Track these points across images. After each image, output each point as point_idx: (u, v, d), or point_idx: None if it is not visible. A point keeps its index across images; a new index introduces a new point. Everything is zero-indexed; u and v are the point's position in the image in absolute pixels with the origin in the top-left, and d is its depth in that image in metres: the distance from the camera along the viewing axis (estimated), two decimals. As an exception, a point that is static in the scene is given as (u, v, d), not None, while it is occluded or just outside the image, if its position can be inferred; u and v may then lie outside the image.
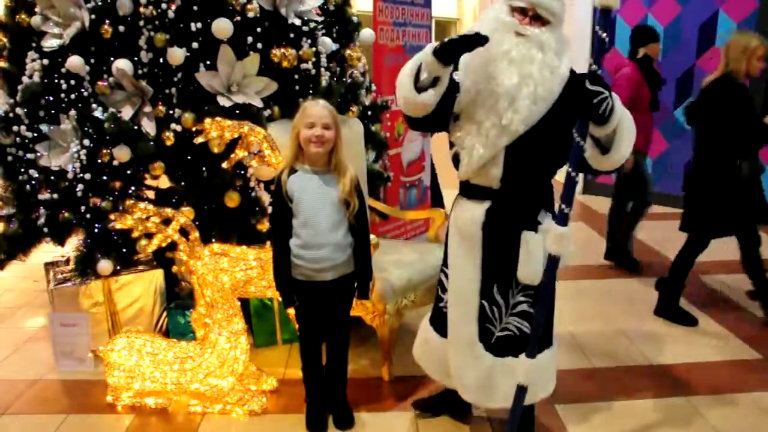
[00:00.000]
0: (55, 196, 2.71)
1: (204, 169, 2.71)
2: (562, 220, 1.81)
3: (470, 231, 2.02)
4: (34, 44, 2.75)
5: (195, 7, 2.57)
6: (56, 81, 2.68)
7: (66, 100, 2.68)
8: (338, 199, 2.12)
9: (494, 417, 2.37)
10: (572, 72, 1.93)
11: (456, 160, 2.04)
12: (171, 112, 2.64)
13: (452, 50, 1.75)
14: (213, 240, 2.65)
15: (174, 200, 2.86)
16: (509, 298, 2.02)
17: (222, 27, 2.55)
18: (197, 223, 2.50)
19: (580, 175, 1.97)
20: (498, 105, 1.86)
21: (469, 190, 2.05)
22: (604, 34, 1.70)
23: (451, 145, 2.04)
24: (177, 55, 2.55)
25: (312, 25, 2.87)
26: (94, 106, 2.64)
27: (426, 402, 2.43)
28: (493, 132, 1.88)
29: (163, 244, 2.43)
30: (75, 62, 2.58)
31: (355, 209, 2.14)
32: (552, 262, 1.85)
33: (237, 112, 2.63)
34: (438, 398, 2.42)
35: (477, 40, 1.75)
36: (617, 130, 1.79)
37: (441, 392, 2.42)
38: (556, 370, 2.17)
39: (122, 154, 2.57)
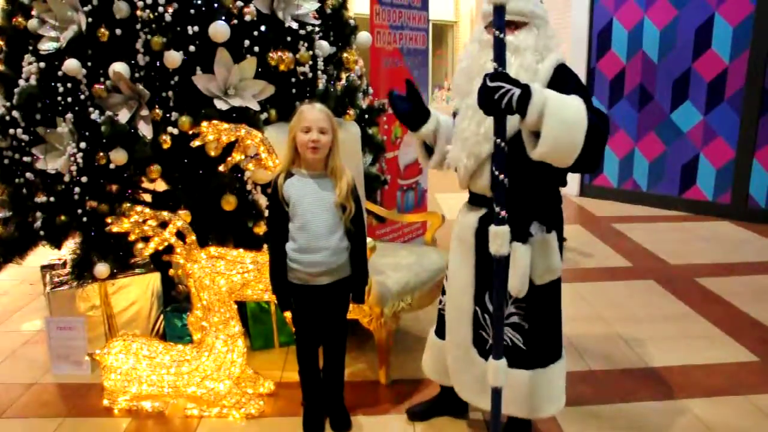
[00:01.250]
0: (52, 199, 2.70)
1: (201, 172, 2.71)
2: (495, 220, 1.78)
3: (466, 237, 2.05)
4: (30, 47, 2.74)
5: (192, 11, 2.57)
6: (53, 84, 2.67)
7: (63, 103, 2.67)
8: (335, 203, 2.11)
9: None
10: (559, 68, 1.88)
11: None
12: (168, 115, 2.64)
13: (401, 118, 2.13)
14: (210, 243, 2.65)
15: (171, 203, 2.85)
16: (503, 308, 2.00)
17: (219, 30, 2.55)
18: (194, 226, 2.49)
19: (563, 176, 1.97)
20: (477, 115, 1.88)
21: (471, 197, 2.10)
22: (500, 33, 1.66)
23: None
24: (174, 58, 2.55)
25: (309, 28, 2.87)
26: (90, 109, 2.63)
27: (418, 408, 2.42)
28: (474, 141, 1.92)
29: (160, 248, 2.43)
30: (72, 65, 2.57)
31: (351, 213, 2.14)
32: (497, 262, 1.81)
33: (234, 115, 2.62)
34: (431, 402, 2.42)
35: (405, 117, 2.11)
36: (544, 118, 1.66)
37: (435, 396, 2.43)
38: (564, 383, 2.13)
39: (119, 157, 2.56)
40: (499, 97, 1.65)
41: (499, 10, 1.66)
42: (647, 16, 5.79)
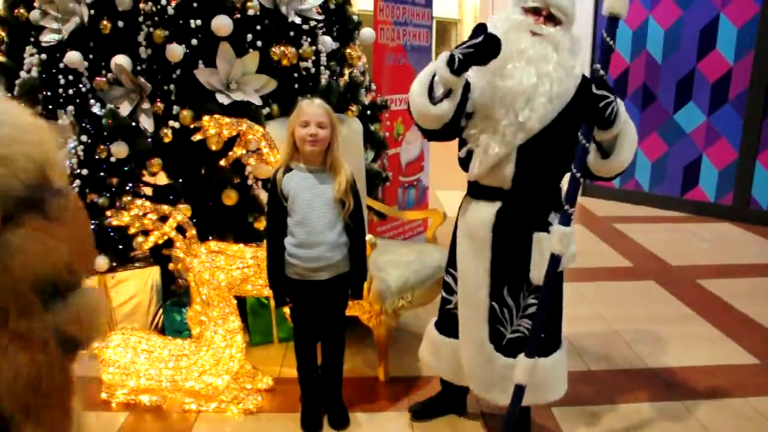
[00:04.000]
0: (52, 191, 2.69)
1: (202, 166, 2.71)
2: (565, 220, 1.82)
3: (480, 233, 2.02)
4: (32, 39, 2.74)
5: (195, 4, 2.56)
6: (54, 76, 2.67)
7: (64, 95, 2.67)
8: (333, 198, 2.11)
9: (488, 415, 2.37)
10: (584, 75, 1.95)
11: (466, 160, 2.03)
12: (169, 108, 2.63)
13: (468, 63, 1.76)
14: (210, 238, 2.64)
15: (171, 197, 2.84)
16: (520, 300, 2.02)
17: (222, 24, 2.54)
18: (194, 220, 2.49)
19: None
20: (516, 103, 1.86)
21: (478, 191, 2.05)
22: (612, 41, 1.72)
23: (462, 144, 2.03)
24: (176, 51, 2.54)
25: (312, 23, 2.86)
26: (92, 101, 2.63)
27: (421, 405, 2.42)
28: (510, 130, 1.88)
29: (160, 241, 2.43)
30: (73, 57, 2.57)
31: (350, 208, 2.13)
32: (553, 261, 1.85)
33: (236, 109, 2.62)
34: (432, 400, 2.42)
35: (492, 52, 1.74)
36: (619, 135, 1.80)
37: (436, 394, 2.42)
38: (566, 372, 2.17)
39: (120, 150, 2.56)
40: (604, 105, 1.71)
41: (615, 21, 1.73)
42: (652, 15, 5.77)
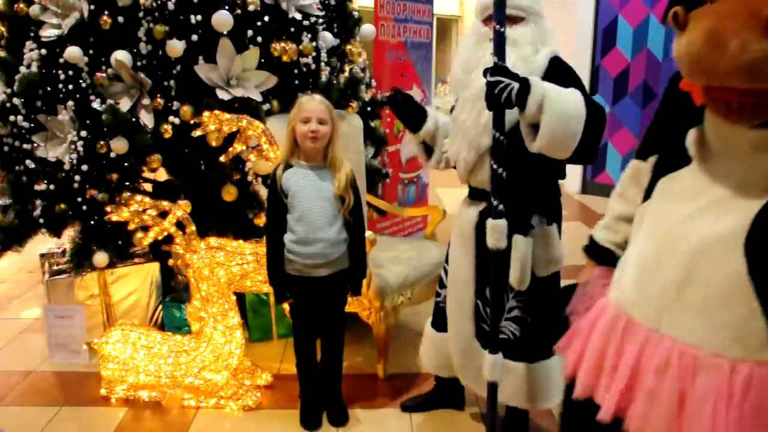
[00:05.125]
0: (52, 187, 2.69)
1: (202, 162, 2.70)
2: (494, 214, 1.79)
3: (466, 231, 2.04)
4: (32, 34, 2.73)
5: (195, 0, 2.55)
6: (54, 71, 2.66)
7: (64, 90, 2.66)
8: (333, 194, 2.11)
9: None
10: (553, 60, 1.89)
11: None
12: (169, 104, 2.63)
13: (405, 123, 2.13)
14: (210, 234, 2.64)
15: (171, 193, 2.84)
16: (503, 302, 2.00)
17: (222, 20, 2.53)
18: (194, 216, 2.48)
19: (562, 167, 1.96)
20: (476, 107, 1.89)
21: (471, 191, 2.09)
22: (500, 27, 1.68)
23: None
24: (176, 47, 2.53)
25: (313, 19, 2.85)
26: (92, 97, 2.62)
27: (413, 401, 2.44)
28: (474, 132, 1.91)
29: (160, 237, 2.43)
30: (73, 53, 2.56)
31: (350, 205, 2.13)
32: (494, 257, 1.82)
33: (236, 105, 2.62)
34: (428, 396, 2.43)
35: (396, 104, 2.07)
36: (543, 111, 1.64)
37: (432, 390, 2.43)
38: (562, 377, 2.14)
39: (120, 146, 2.55)
40: (499, 91, 1.65)
41: (501, 4, 1.66)
42: (653, 13, 5.75)
